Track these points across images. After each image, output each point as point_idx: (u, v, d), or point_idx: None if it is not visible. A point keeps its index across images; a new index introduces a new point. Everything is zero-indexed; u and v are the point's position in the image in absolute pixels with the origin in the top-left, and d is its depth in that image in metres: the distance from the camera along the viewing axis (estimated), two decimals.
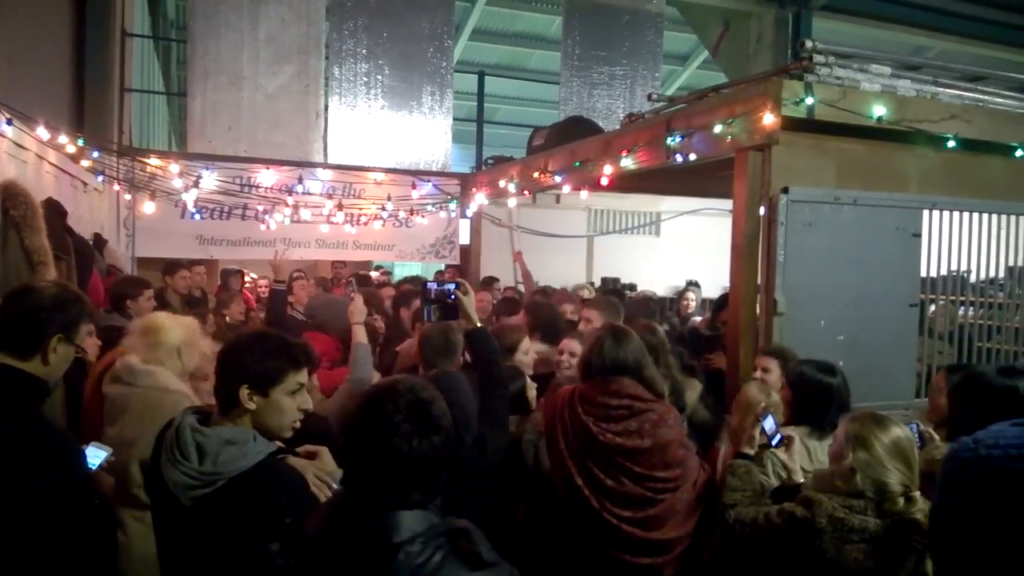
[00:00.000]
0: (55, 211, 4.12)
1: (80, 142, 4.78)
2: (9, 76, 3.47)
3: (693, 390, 3.76)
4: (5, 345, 2.16)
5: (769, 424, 2.70)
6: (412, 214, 8.62)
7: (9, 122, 3.38)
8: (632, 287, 8.75)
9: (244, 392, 1.99)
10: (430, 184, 8.65)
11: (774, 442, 2.70)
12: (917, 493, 2.31)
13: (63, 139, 4.54)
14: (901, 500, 2.26)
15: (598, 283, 8.59)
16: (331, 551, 1.45)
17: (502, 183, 7.54)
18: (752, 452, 2.69)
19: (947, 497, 1.06)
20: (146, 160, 7.40)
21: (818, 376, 2.87)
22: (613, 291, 6.32)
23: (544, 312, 4.53)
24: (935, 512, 1.13)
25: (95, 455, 2.41)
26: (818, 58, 4.19)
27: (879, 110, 4.14)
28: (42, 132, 4.02)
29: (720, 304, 5.21)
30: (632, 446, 2.69)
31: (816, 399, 2.78)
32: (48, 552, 2.06)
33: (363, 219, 8.48)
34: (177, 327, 2.98)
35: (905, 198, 4.36)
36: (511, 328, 3.95)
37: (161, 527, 2.12)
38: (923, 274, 4.46)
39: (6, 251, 3.29)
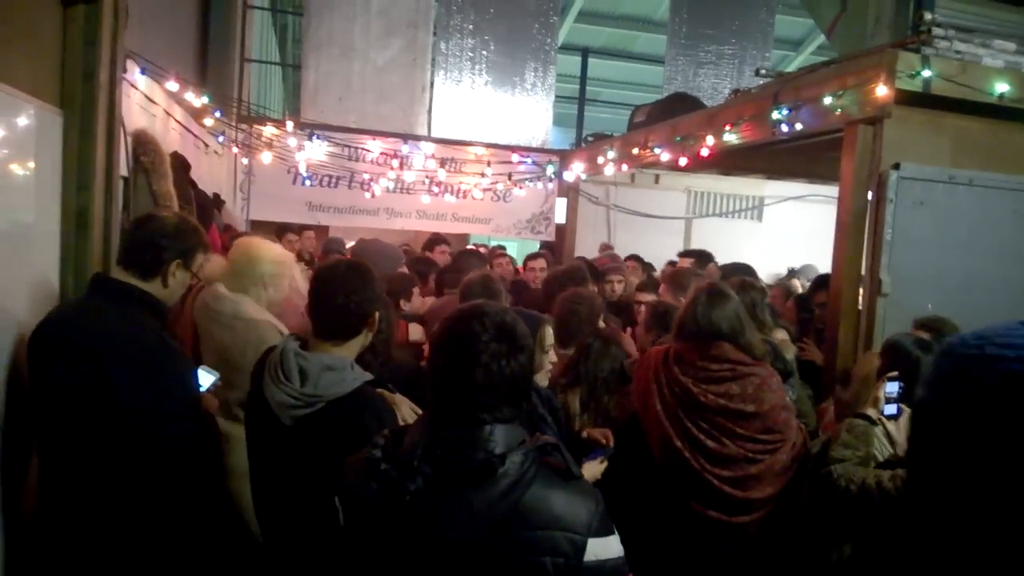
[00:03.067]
0: (180, 164, 4.41)
1: (205, 98, 5.07)
2: (141, 36, 3.72)
3: (785, 346, 3.71)
4: (130, 266, 2.34)
5: (893, 391, 2.60)
6: (511, 180, 8.64)
7: (143, 71, 3.62)
8: None
9: (375, 316, 2.20)
10: (530, 160, 8.72)
11: (890, 411, 2.60)
12: None
13: (190, 95, 4.83)
14: None
15: None
16: (431, 461, 1.51)
17: (600, 159, 7.52)
18: (875, 416, 2.59)
19: (939, 395, 1.01)
20: (263, 127, 7.77)
21: (910, 348, 2.77)
22: (695, 253, 6.09)
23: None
24: (919, 410, 1.05)
25: (205, 378, 2.54)
26: (937, 31, 4.01)
27: (1001, 87, 3.93)
28: (172, 85, 4.30)
29: (817, 285, 5.06)
30: (735, 408, 2.67)
31: (903, 371, 2.68)
32: (159, 458, 2.22)
33: (462, 188, 8.61)
34: (268, 260, 3.08)
35: None
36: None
37: (257, 445, 2.24)
38: None
39: (136, 194, 3.56)
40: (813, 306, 4.96)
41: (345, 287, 2.14)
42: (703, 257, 5.92)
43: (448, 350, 1.59)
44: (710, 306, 2.78)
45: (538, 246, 9.04)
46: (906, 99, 3.87)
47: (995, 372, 0.93)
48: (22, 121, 2.44)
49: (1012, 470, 0.90)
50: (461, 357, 1.55)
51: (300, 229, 7.73)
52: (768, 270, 8.87)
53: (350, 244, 8.81)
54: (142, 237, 2.37)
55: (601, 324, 3.78)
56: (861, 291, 4.03)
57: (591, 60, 14.19)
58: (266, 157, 7.54)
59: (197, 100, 4.97)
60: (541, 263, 6.21)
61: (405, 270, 5.08)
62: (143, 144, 3.66)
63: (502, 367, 1.54)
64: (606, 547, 1.50)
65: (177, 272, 2.38)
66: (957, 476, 0.96)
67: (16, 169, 2.42)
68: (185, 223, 2.49)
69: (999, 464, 0.92)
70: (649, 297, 4.46)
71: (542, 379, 2.69)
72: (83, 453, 2.15)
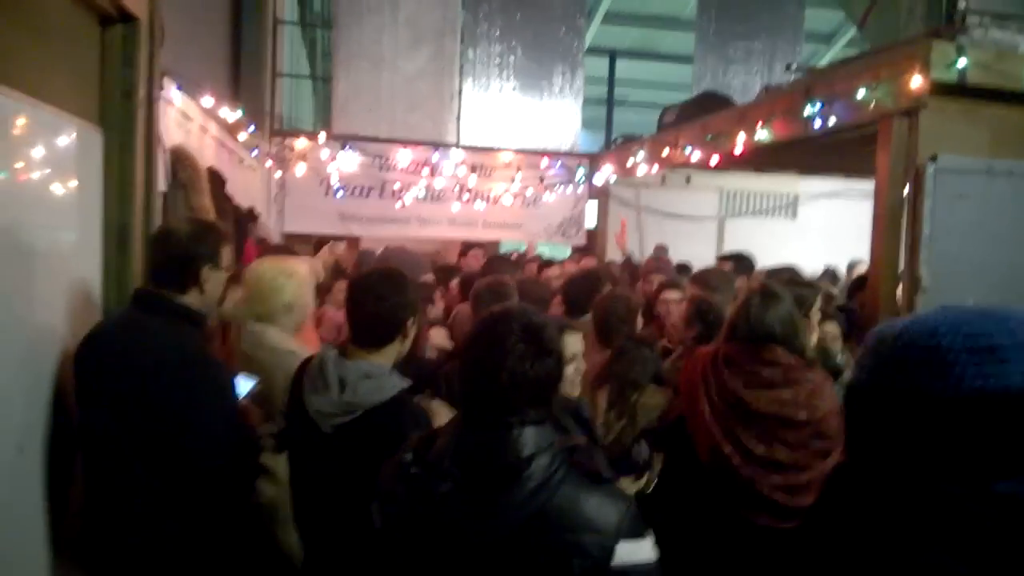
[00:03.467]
0: (216, 178, 4.49)
1: (239, 112, 5.16)
2: (176, 54, 3.80)
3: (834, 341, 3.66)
4: (163, 284, 2.36)
5: None
6: (541, 184, 8.63)
7: (179, 88, 3.70)
8: None
9: (409, 323, 2.20)
10: (559, 164, 8.72)
11: None
12: None
13: (224, 111, 4.91)
14: None
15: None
16: (460, 463, 1.53)
17: (630, 162, 7.48)
18: None
19: (862, 373, 1.12)
20: (295, 139, 7.89)
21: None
22: (735, 257, 5.73)
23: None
24: (849, 392, 1.17)
25: (243, 384, 2.58)
26: (972, 19, 3.94)
27: None
28: (207, 101, 4.37)
29: (857, 285, 4.98)
30: (787, 415, 2.58)
31: None
32: (202, 469, 2.25)
33: (492, 194, 8.64)
34: (289, 285, 3.04)
35: None
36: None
37: (298, 454, 2.27)
38: None
39: (174, 210, 3.64)
40: (853, 307, 4.88)
41: (377, 294, 2.17)
42: (742, 261, 5.61)
43: (475, 352, 1.62)
44: (764, 307, 2.69)
45: (569, 251, 9.06)
46: (941, 89, 3.79)
47: (906, 346, 1.05)
48: (64, 140, 2.50)
49: (928, 437, 1.01)
50: (487, 359, 1.57)
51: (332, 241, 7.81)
52: (804, 269, 8.74)
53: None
54: (164, 255, 2.38)
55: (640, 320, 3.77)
56: (900, 287, 3.96)
57: (619, 62, 14.15)
58: (299, 169, 7.64)
59: (231, 115, 5.06)
60: (556, 271, 6.22)
61: (431, 277, 5.12)
62: (180, 160, 3.73)
63: (526, 369, 1.54)
64: (637, 551, 1.49)
65: (211, 275, 2.39)
66: (882, 445, 1.07)
67: (59, 187, 2.48)
68: (200, 226, 2.50)
69: (915, 431, 1.02)
70: (675, 295, 4.42)
71: (567, 388, 2.60)
72: (128, 466, 2.19)
